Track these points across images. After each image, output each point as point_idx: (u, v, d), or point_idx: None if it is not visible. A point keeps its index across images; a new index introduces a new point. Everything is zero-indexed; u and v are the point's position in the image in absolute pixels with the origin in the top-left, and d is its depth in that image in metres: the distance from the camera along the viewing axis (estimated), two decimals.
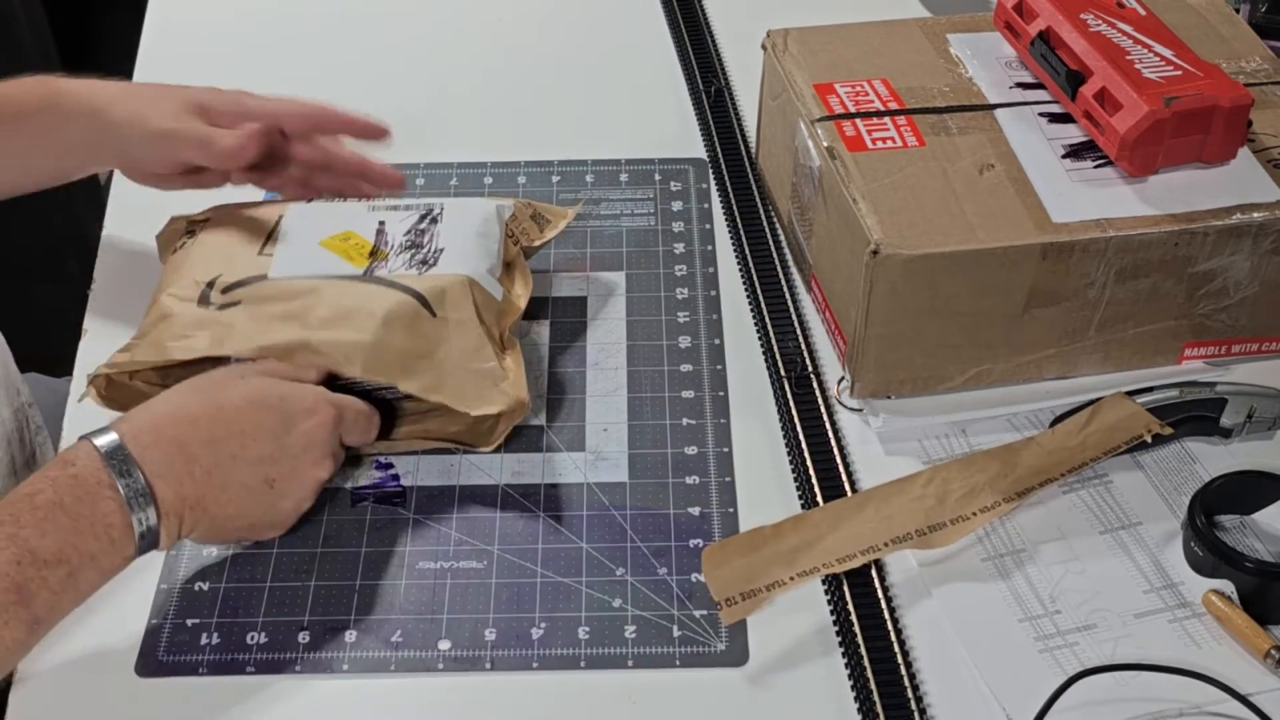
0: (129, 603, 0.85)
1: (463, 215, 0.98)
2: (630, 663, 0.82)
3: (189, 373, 0.87)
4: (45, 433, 1.13)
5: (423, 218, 0.98)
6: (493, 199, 1.02)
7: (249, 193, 1.04)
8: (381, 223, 0.97)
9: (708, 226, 1.11)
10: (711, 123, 1.20)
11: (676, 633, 0.83)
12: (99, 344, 1.02)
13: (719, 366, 1.00)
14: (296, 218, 0.98)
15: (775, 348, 1.00)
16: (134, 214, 1.13)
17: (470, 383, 0.90)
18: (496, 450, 0.92)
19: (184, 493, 0.80)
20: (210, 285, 0.93)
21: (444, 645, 0.83)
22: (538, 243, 1.02)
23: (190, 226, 1.01)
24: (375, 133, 1.02)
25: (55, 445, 1.08)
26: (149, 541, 0.79)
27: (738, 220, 1.10)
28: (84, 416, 0.97)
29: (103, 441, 0.78)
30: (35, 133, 0.97)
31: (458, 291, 0.92)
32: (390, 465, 0.93)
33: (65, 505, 0.75)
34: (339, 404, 0.87)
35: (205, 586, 0.86)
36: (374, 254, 0.95)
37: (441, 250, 0.95)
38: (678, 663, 0.82)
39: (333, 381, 0.89)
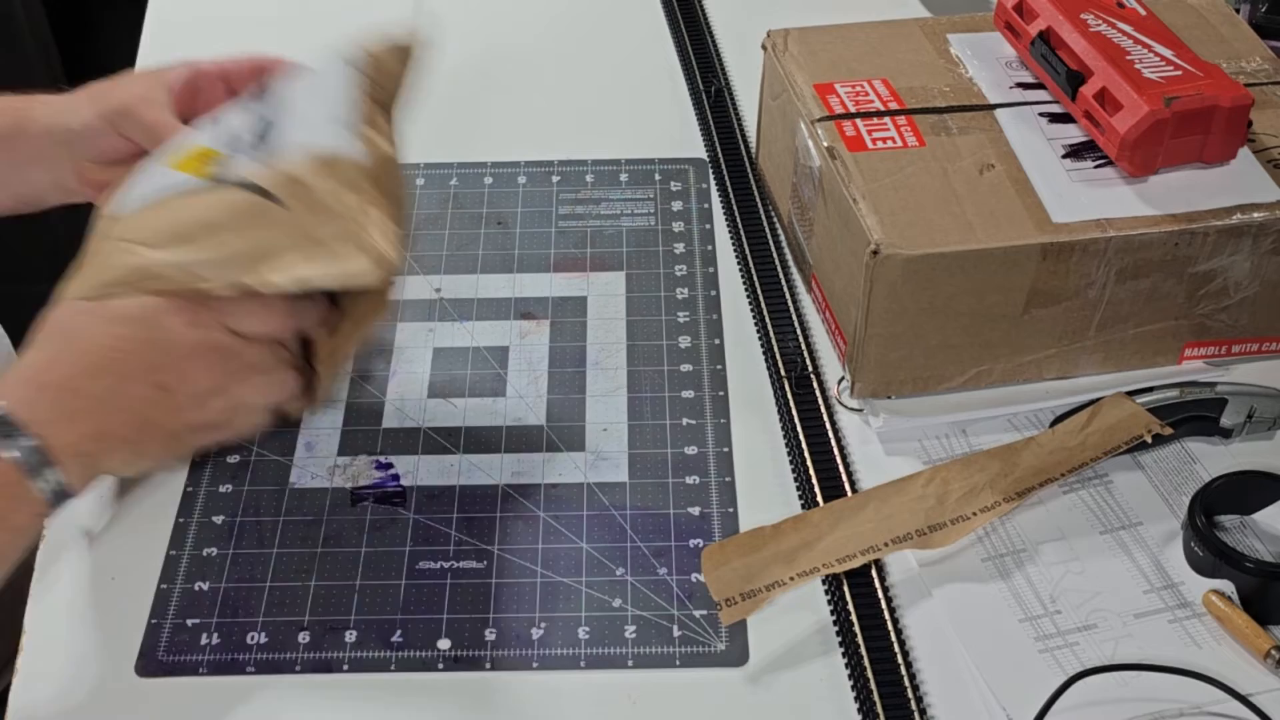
0: (129, 603, 0.85)
1: (306, 92, 0.93)
2: (630, 662, 0.82)
3: None
4: None
5: (262, 109, 0.92)
6: (334, 61, 0.94)
7: None
8: (225, 125, 0.92)
9: (708, 226, 1.11)
10: (711, 123, 1.20)
11: (676, 633, 0.83)
12: None
13: (719, 366, 1.00)
14: (156, 151, 0.94)
15: (775, 348, 1.00)
16: None
17: (324, 249, 0.85)
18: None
19: (81, 430, 0.79)
20: None
21: (444, 645, 0.83)
22: (398, 86, 0.95)
23: None
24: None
25: None
26: (60, 493, 0.78)
27: (738, 220, 1.10)
28: None
29: None
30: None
31: (307, 170, 0.86)
32: (390, 465, 0.93)
33: None
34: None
35: (205, 586, 0.86)
36: (217, 160, 0.89)
37: (285, 134, 0.89)
38: (678, 663, 0.82)
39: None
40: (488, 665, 0.82)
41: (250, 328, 0.85)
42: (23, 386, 0.79)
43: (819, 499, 0.89)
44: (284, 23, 1.34)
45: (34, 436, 0.76)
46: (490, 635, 0.83)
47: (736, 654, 0.82)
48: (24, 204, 1.02)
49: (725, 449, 0.94)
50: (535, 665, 0.82)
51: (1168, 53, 0.96)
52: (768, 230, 1.09)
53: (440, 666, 0.82)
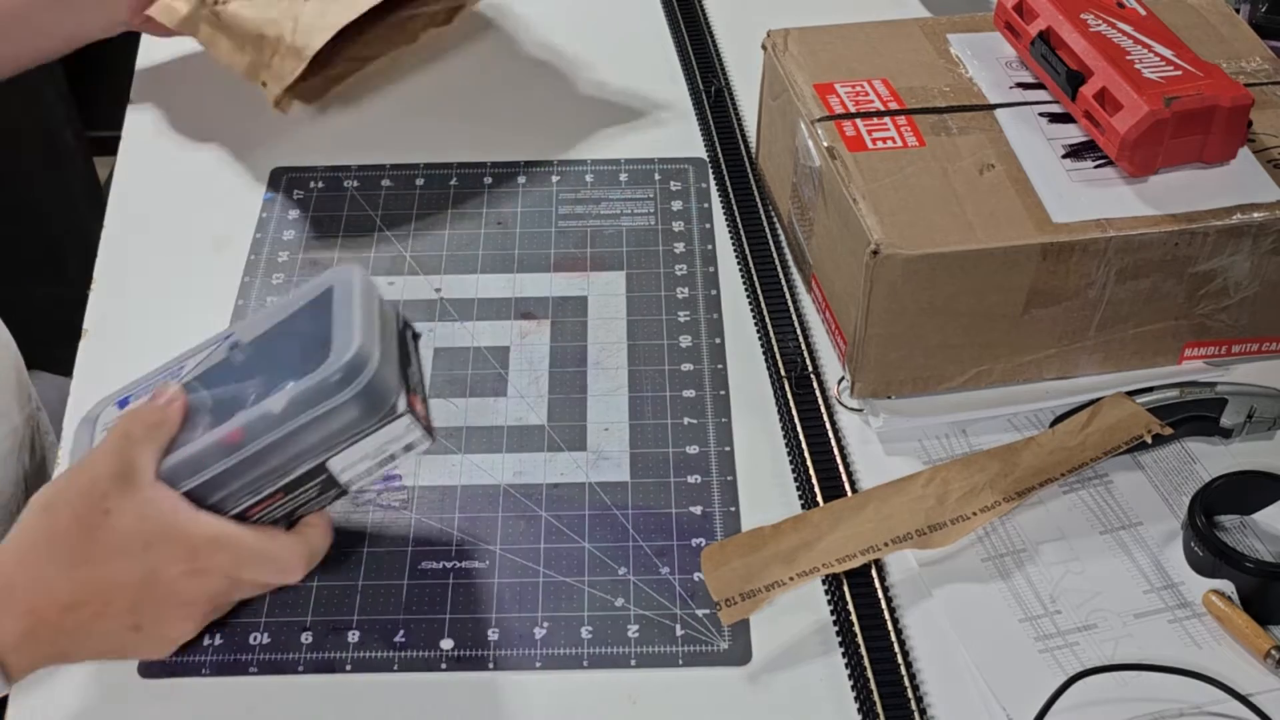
0: None
1: None
2: (633, 662, 0.82)
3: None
4: (53, 435, 1.13)
5: None
6: None
7: None
8: None
9: (708, 226, 1.11)
10: (711, 123, 1.20)
11: (679, 632, 0.84)
12: (99, 344, 1.02)
13: (720, 366, 1.00)
14: None
15: (775, 348, 1.00)
16: (134, 214, 1.13)
17: None
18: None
19: (40, 658, 0.75)
20: None
21: (447, 645, 0.83)
22: None
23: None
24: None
25: (58, 441, 1.09)
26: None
27: (738, 220, 1.10)
28: None
29: None
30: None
31: None
32: None
33: None
34: (227, 543, 0.76)
35: None
36: None
37: None
38: (680, 662, 0.82)
39: None
40: (491, 665, 0.82)
41: (253, 576, 0.78)
42: (5, 612, 0.74)
43: (819, 499, 0.90)
44: None
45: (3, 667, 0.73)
46: (493, 635, 0.84)
47: (739, 653, 0.83)
48: (72, 45, 1.08)
49: (727, 448, 0.94)
50: (538, 665, 0.82)
51: (1168, 53, 0.96)
52: (768, 230, 1.09)
53: (443, 666, 0.82)
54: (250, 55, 1.10)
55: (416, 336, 0.82)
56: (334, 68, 1.18)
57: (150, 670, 0.82)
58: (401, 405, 0.75)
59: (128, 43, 1.30)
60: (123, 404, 0.82)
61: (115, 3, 1.08)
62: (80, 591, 0.74)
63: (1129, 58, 0.95)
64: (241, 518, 0.77)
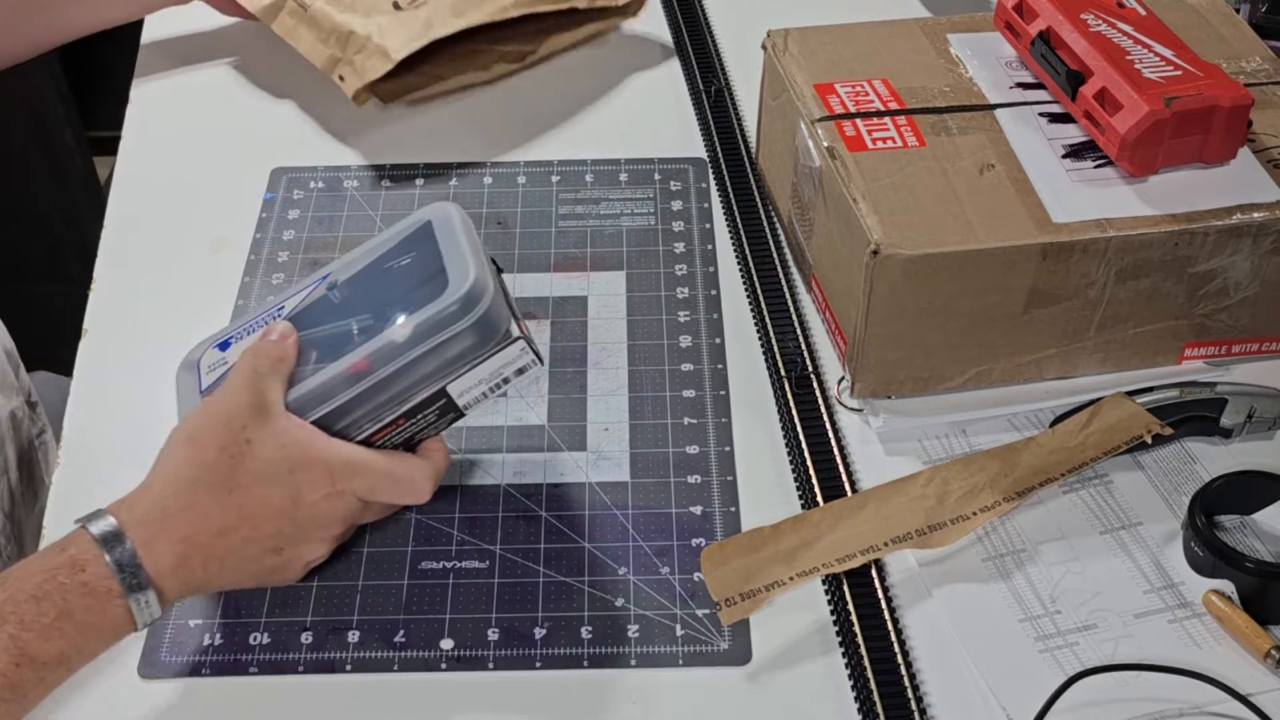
0: None
1: None
2: (633, 662, 0.82)
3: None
4: (50, 431, 1.13)
5: None
6: None
7: None
8: None
9: (708, 226, 1.11)
10: (711, 123, 1.20)
11: (679, 632, 0.84)
12: (99, 344, 1.02)
13: (720, 366, 1.00)
14: None
15: (775, 348, 1.00)
16: (134, 214, 1.13)
17: None
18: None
19: (192, 584, 0.78)
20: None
21: (447, 645, 0.83)
22: None
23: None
24: None
25: (57, 440, 1.09)
26: (155, 621, 0.77)
27: (738, 220, 1.10)
28: (85, 416, 0.97)
29: (116, 555, 0.75)
30: None
31: None
32: None
33: (74, 615, 0.73)
34: (358, 468, 0.81)
35: None
36: None
37: None
38: (680, 662, 0.82)
39: None
40: (491, 665, 0.82)
41: (387, 498, 0.84)
42: (157, 534, 0.76)
43: (819, 499, 0.90)
44: None
45: (154, 588, 0.76)
46: (493, 635, 0.84)
47: (740, 653, 0.83)
48: (146, 10, 1.10)
49: (727, 448, 0.94)
50: (538, 665, 0.82)
51: (1168, 53, 0.96)
52: (768, 230, 1.09)
53: (443, 666, 0.82)
54: (333, 50, 1.17)
55: (500, 270, 0.86)
56: (410, 77, 1.21)
57: (151, 671, 0.82)
58: (515, 331, 0.81)
59: (128, 43, 1.30)
60: (224, 346, 0.85)
61: None
62: (231, 517, 0.77)
63: (1129, 58, 0.95)
64: (365, 444, 0.82)
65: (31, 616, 0.72)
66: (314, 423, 0.80)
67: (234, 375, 0.81)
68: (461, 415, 0.83)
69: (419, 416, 0.82)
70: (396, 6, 1.18)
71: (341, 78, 1.16)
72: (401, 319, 0.79)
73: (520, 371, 0.82)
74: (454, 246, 0.82)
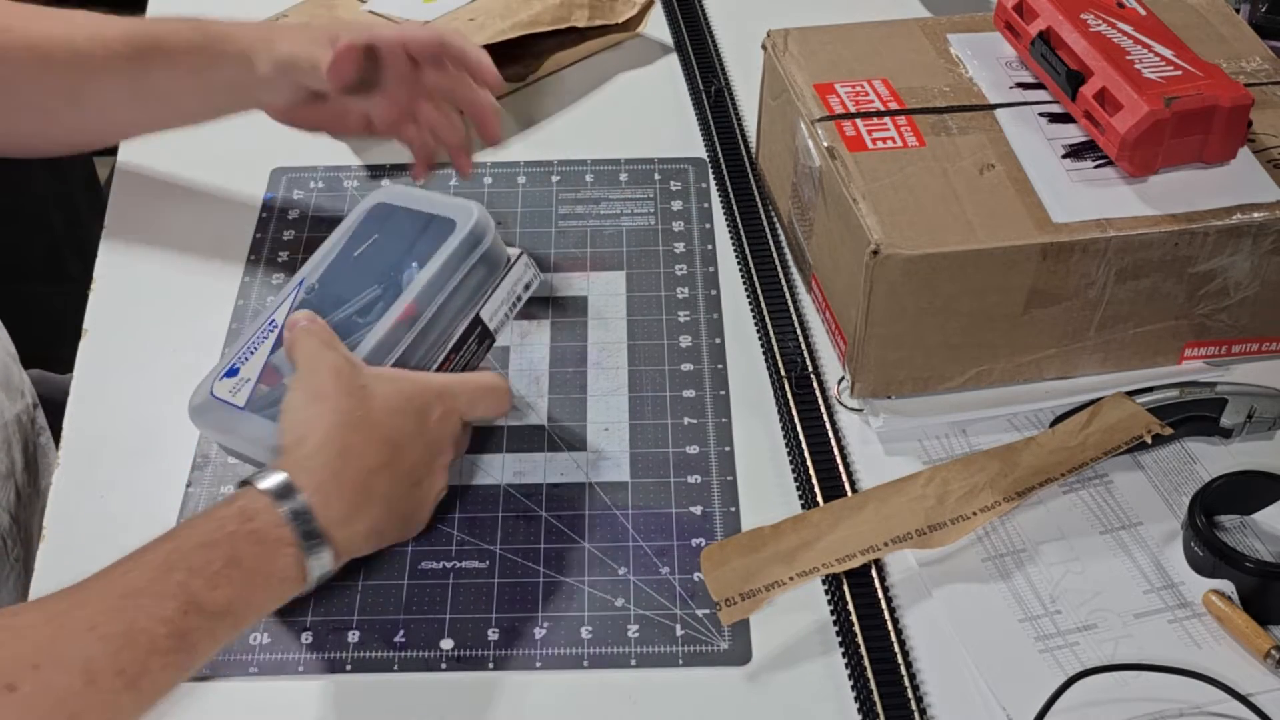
0: None
1: None
2: (633, 662, 0.82)
3: None
4: (48, 434, 1.13)
5: None
6: None
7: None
8: None
9: (708, 226, 1.11)
10: (711, 123, 1.20)
11: (679, 632, 0.84)
12: (99, 344, 1.02)
13: (720, 366, 1.00)
14: None
15: (775, 348, 1.00)
16: (134, 214, 1.13)
17: None
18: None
19: (361, 530, 0.80)
20: None
21: (447, 645, 0.83)
22: None
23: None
24: (490, 78, 1.00)
25: (55, 442, 1.08)
26: (325, 578, 0.79)
27: (738, 220, 1.10)
28: (85, 416, 0.97)
29: (290, 506, 0.76)
30: (185, 73, 1.00)
31: None
32: None
33: (242, 562, 0.73)
34: (453, 388, 0.85)
35: None
36: None
37: None
38: (680, 662, 0.82)
39: None
40: (491, 665, 0.82)
41: (483, 411, 0.88)
42: (327, 480, 0.78)
43: (819, 499, 0.90)
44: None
45: (327, 542, 0.77)
46: (493, 635, 0.84)
47: (739, 653, 0.83)
48: (217, 116, 1.06)
49: (727, 448, 0.94)
50: (538, 665, 0.82)
51: (1168, 53, 0.96)
52: (768, 230, 1.09)
53: (443, 666, 0.82)
54: None
55: None
56: None
57: None
58: (514, 252, 0.90)
59: None
60: (232, 372, 0.87)
61: (246, 98, 1.04)
62: (382, 451, 0.80)
63: (1129, 58, 0.95)
64: None
65: (200, 563, 0.72)
66: None
67: (303, 357, 0.83)
68: (494, 341, 0.90)
69: (463, 349, 0.88)
70: None
71: None
72: (428, 263, 0.86)
73: (527, 287, 0.91)
74: (428, 203, 0.91)
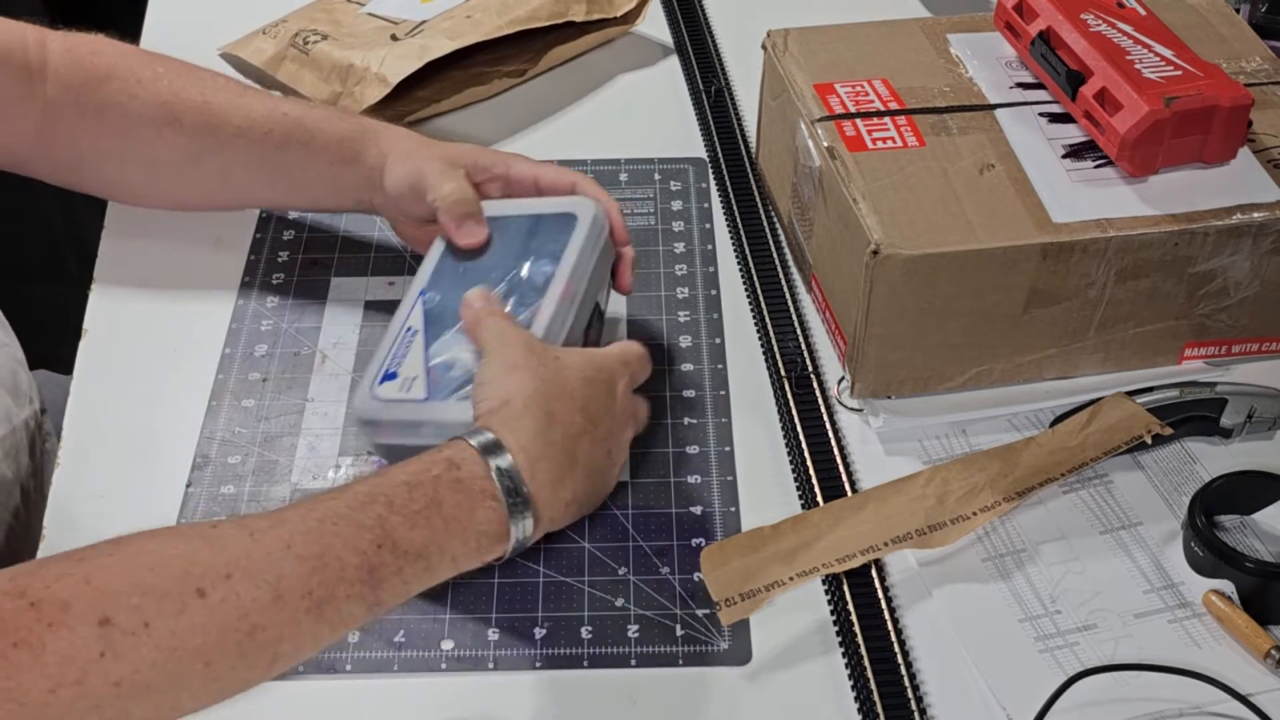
0: None
1: None
2: (633, 662, 0.82)
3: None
4: (54, 438, 1.13)
5: None
6: None
7: None
8: None
9: (708, 226, 1.11)
10: (711, 123, 1.20)
11: (679, 632, 0.84)
12: (99, 344, 1.02)
13: (720, 365, 1.00)
14: None
15: (775, 348, 1.00)
16: (134, 214, 1.12)
17: None
18: None
19: (564, 497, 0.81)
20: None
21: (447, 645, 0.83)
22: None
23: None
24: (619, 230, 0.97)
25: (58, 440, 1.08)
26: (524, 545, 0.79)
27: (738, 220, 1.10)
28: (85, 416, 0.97)
29: (498, 462, 0.77)
30: (323, 163, 0.99)
31: None
32: None
33: (443, 507, 0.74)
34: (628, 357, 0.88)
35: None
36: None
37: None
38: (680, 662, 0.82)
39: None
40: (491, 665, 0.82)
41: (643, 375, 0.90)
42: (534, 442, 0.79)
43: (819, 499, 0.90)
44: None
45: (531, 504, 0.78)
46: (493, 635, 0.84)
47: (739, 653, 0.83)
48: (349, 210, 1.05)
49: (727, 448, 0.94)
50: (538, 665, 0.82)
51: (1168, 52, 0.96)
52: (768, 230, 1.09)
53: (443, 667, 0.82)
54: (335, 85, 1.19)
55: None
56: (409, 104, 1.21)
57: None
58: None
59: (127, 42, 1.30)
60: (391, 376, 0.88)
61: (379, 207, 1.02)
62: (580, 418, 0.82)
63: (1129, 58, 0.95)
64: None
65: (402, 500, 0.73)
66: None
67: (490, 332, 0.85)
68: (603, 319, 0.97)
69: (592, 326, 0.94)
70: (394, 39, 1.20)
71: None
72: (567, 247, 0.91)
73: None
74: (530, 206, 0.96)
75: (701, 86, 1.24)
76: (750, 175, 1.14)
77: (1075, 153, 0.96)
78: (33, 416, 1.10)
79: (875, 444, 0.94)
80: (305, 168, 1.00)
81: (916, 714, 0.79)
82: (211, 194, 1.05)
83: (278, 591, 0.67)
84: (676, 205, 1.13)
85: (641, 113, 1.24)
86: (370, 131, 0.99)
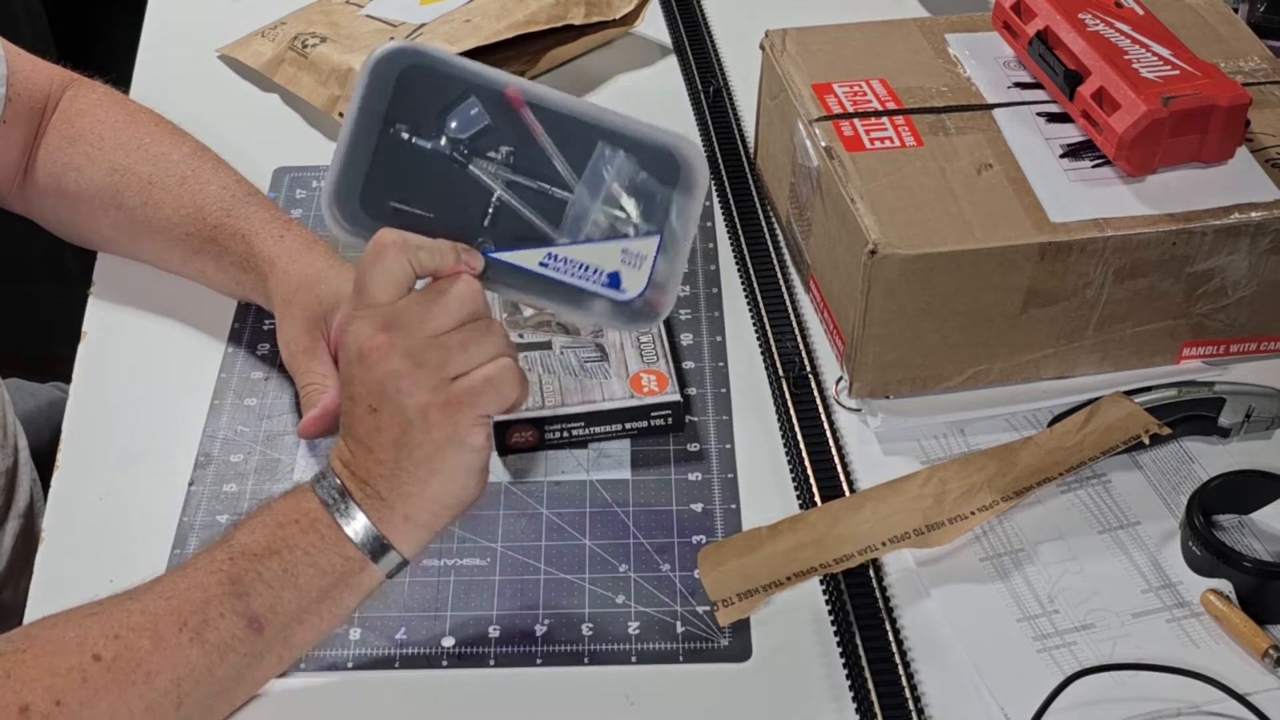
0: None
1: None
2: (633, 659, 0.83)
3: None
4: (35, 479, 1.11)
5: None
6: None
7: None
8: None
9: (708, 225, 1.12)
10: (710, 123, 1.20)
11: (679, 629, 0.84)
12: (99, 346, 1.02)
13: (720, 364, 1.00)
14: None
15: (774, 348, 1.00)
16: None
17: None
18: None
19: (387, 493, 0.75)
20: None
21: (448, 642, 0.83)
22: None
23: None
24: None
25: (32, 455, 1.08)
26: (375, 544, 0.75)
27: (736, 220, 1.10)
28: (85, 417, 0.97)
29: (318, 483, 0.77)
30: (233, 271, 1.00)
31: None
32: None
33: (271, 505, 0.76)
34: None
35: None
36: None
37: None
38: (681, 659, 0.82)
39: None
40: (491, 662, 0.83)
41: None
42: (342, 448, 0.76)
43: (817, 499, 0.90)
44: None
45: (395, 551, 0.76)
46: (494, 632, 0.84)
47: (739, 650, 0.83)
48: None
49: (728, 445, 0.94)
50: (539, 661, 0.82)
51: (1165, 52, 0.96)
52: (766, 230, 1.09)
53: (444, 664, 0.82)
54: (333, 88, 1.19)
55: None
56: None
57: None
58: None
59: (127, 42, 1.30)
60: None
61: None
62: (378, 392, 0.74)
63: (1126, 57, 0.95)
64: None
65: (242, 521, 0.76)
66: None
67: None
68: None
69: None
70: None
71: (341, 114, 1.17)
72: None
73: None
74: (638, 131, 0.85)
75: (700, 87, 1.24)
76: (749, 175, 1.14)
77: (1073, 152, 0.96)
78: (13, 450, 1.08)
79: (873, 444, 0.95)
80: (217, 273, 1.02)
81: (914, 713, 0.79)
82: (148, 258, 1.07)
83: (157, 633, 0.72)
84: None
85: (640, 113, 1.23)
86: (262, 270, 0.98)
